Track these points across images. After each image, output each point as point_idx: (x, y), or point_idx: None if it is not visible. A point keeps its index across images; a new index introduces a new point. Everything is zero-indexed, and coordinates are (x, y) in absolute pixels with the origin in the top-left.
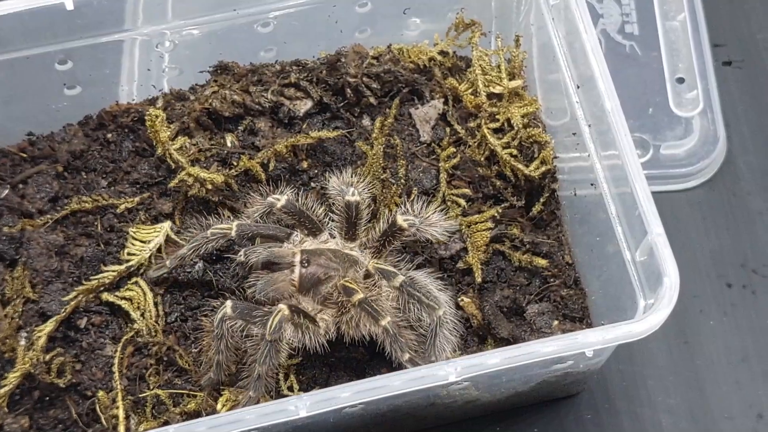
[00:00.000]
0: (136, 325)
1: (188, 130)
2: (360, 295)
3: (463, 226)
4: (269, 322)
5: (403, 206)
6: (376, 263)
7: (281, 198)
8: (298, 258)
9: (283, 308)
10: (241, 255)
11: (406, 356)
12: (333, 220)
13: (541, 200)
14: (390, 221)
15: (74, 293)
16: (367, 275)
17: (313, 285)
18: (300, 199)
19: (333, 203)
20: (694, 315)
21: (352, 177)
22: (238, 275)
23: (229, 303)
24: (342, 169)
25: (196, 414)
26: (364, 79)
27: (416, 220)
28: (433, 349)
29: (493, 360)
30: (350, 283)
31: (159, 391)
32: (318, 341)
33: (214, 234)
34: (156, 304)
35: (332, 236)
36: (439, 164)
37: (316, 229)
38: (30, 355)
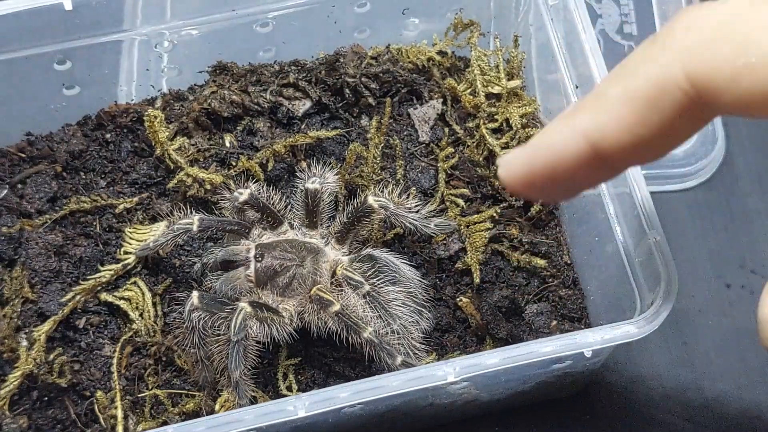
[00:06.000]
0: (134, 325)
1: (187, 131)
2: (336, 306)
3: (462, 227)
4: (233, 322)
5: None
6: (345, 269)
7: (244, 192)
8: (252, 253)
9: (244, 306)
10: (202, 257)
11: (398, 360)
12: (294, 210)
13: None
14: (361, 200)
15: (72, 293)
16: (333, 274)
17: (269, 278)
18: (263, 193)
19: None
20: (692, 315)
21: (323, 168)
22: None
23: (195, 293)
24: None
25: (194, 414)
26: (362, 79)
27: (389, 203)
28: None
29: (492, 360)
30: (324, 292)
31: (158, 391)
32: (285, 331)
33: (178, 228)
34: (155, 304)
35: (292, 226)
36: (438, 164)
37: (277, 221)
38: (33, 355)
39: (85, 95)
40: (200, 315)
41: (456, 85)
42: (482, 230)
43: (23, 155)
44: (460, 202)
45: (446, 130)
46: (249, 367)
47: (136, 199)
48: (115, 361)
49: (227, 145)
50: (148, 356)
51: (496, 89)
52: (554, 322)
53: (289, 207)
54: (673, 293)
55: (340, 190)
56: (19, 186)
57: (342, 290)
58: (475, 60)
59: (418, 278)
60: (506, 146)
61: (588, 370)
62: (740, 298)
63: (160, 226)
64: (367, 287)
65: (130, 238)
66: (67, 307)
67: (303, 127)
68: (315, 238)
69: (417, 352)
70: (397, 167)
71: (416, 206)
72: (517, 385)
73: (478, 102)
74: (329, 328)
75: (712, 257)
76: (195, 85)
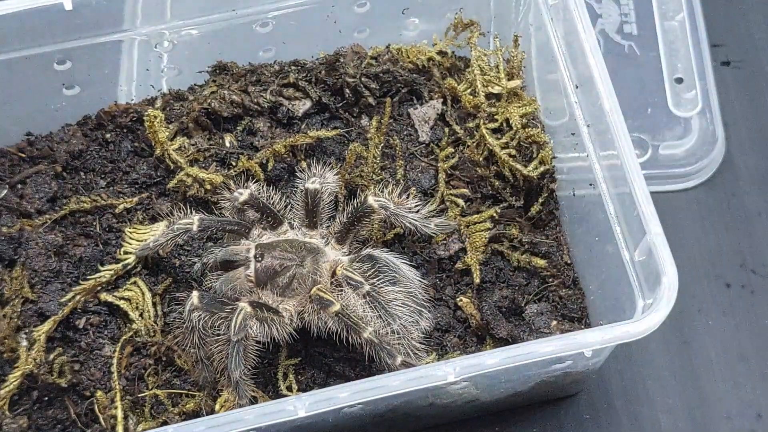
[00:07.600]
0: (134, 325)
1: (187, 131)
2: (336, 306)
3: (462, 227)
4: (233, 322)
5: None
6: (345, 269)
7: (244, 192)
8: (252, 253)
9: (244, 306)
10: (202, 257)
11: (398, 360)
12: (294, 210)
13: (540, 200)
14: (361, 200)
15: (72, 293)
16: (333, 274)
17: (269, 278)
18: (263, 193)
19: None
20: (692, 315)
21: (323, 168)
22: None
23: (195, 293)
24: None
25: (194, 414)
26: (362, 79)
27: (389, 203)
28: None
29: (492, 360)
30: (324, 292)
31: (158, 391)
32: (285, 331)
33: (178, 228)
34: (155, 304)
35: (292, 226)
36: (438, 164)
37: (277, 221)
38: (33, 355)
39: (85, 95)
40: (200, 315)
41: (456, 85)
42: (482, 230)
43: (23, 155)
44: (460, 202)
45: (446, 130)
46: (249, 367)
47: (136, 199)
48: (115, 361)
49: (227, 145)
50: (148, 356)
51: (496, 89)
52: (554, 322)
53: (289, 207)
54: (673, 293)
55: (340, 190)
56: (19, 186)
57: (342, 290)
58: (475, 60)
59: (418, 278)
60: (506, 146)
61: (588, 370)
62: (740, 298)
63: (160, 226)
64: (367, 287)
65: (130, 238)
66: (67, 307)
67: (303, 127)
68: (315, 238)
69: (417, 352)
70: (397, 167)
71: (416, 206)
72: (517, 385)
73: (478, 102)
74: (329, 328)
75: (712, 257)
76: (195, 85)
